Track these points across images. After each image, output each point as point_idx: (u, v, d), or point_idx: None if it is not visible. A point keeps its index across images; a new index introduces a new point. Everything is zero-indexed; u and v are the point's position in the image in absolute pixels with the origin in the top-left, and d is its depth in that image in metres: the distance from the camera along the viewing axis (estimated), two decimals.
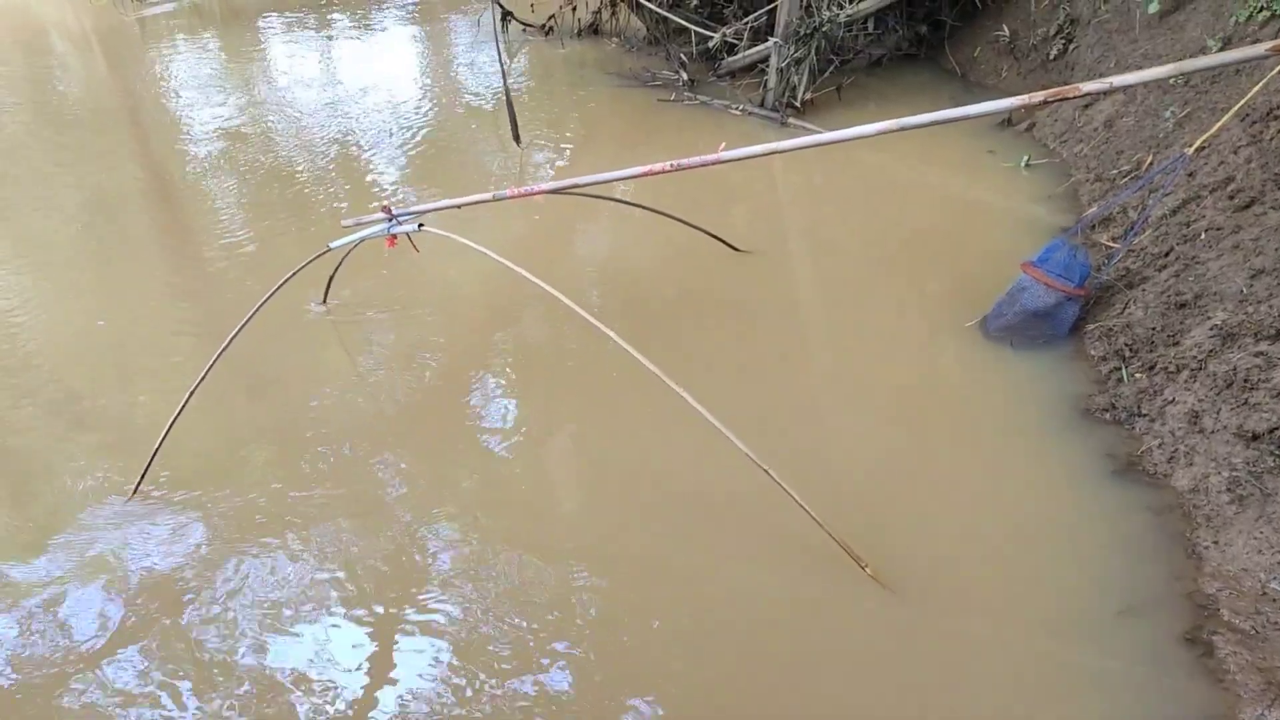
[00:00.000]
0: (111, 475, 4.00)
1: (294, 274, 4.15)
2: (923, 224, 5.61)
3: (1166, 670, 2.79)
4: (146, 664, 3.17)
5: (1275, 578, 2.90)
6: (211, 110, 8.48)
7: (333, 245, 4.20)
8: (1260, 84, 4.33)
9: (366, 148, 7.37)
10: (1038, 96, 3.48)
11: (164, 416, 3.93)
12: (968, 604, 3.11)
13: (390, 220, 4.11)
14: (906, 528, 3.44)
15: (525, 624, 3.17)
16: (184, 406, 3.87)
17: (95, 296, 5.47)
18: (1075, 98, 3.52)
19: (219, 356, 3.92)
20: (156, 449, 3.83)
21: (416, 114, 8.06)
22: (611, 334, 3.41)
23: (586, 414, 4.22)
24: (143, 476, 3.85)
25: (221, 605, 3.35)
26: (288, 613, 3.30)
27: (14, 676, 3.17)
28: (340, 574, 3.44)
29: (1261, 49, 3.33)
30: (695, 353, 4.51)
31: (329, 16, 11.61)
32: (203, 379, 3.90)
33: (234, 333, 3.98)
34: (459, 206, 4.24)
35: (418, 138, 7.53)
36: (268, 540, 3.60)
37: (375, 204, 5.73)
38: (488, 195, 4.17)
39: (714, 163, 3.90)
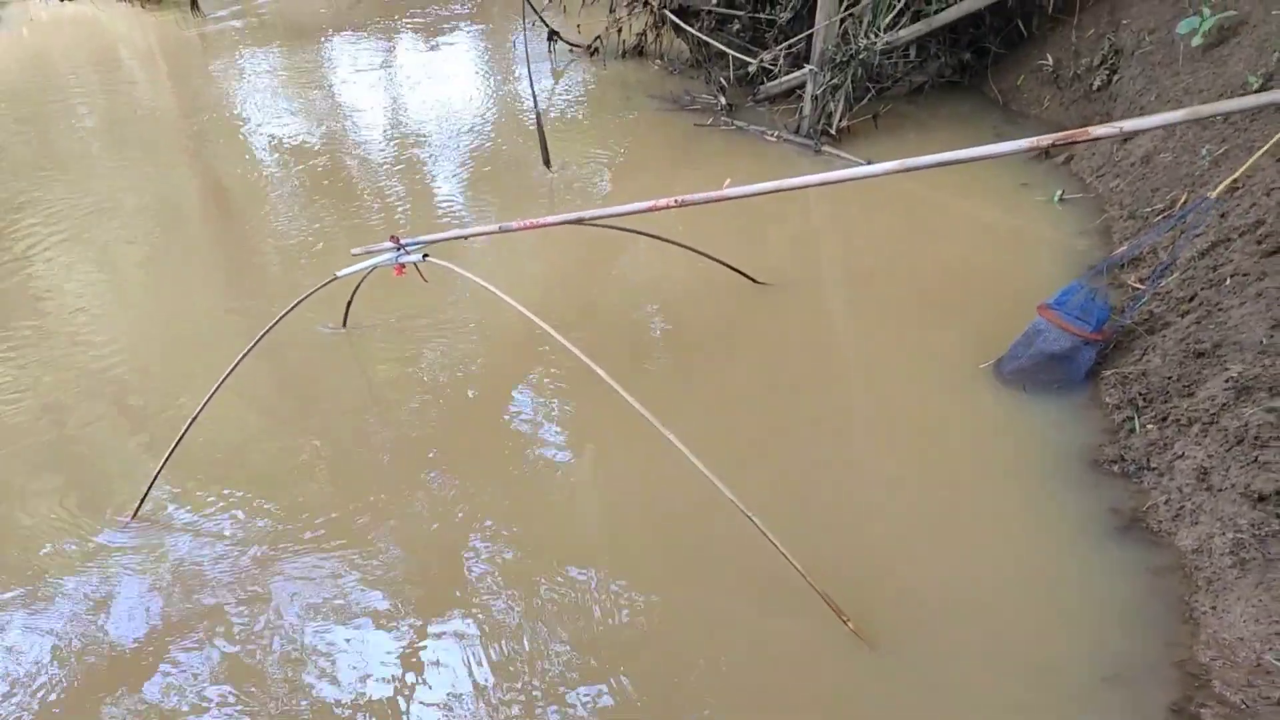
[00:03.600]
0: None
1: (301, 301, 4.19)
2: (948, 258, 5.52)
3: None
4: (184, 671, 3.32)
5: (1271, 649, 2.78)
6: (268, 122, 8.68)
7: (340, 274, 4.24)
8: None
9: (413, 165, 7.49)
10: (1046, 140, 3.40)
11: (205, 426, 4.08)
12: (950, 659, 3.04)
13: (398, 249, 4.15)
14: (898, 575, 3.38)
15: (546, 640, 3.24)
16: (189, 427, 3.94)
17: (154, 303, 5.76)
18: (1084, 141, 3.42)
19: (225, 378, 4.00)
20: (159, 469, 3.93)
21: (465, 134, 8.16)
22: (601, 372, 3.41)
23: (605, 447, 4.28)
24: (145, 494, 3.95)
25: (255, 618, 3.49)
26: (323, 625, 3.44)
27: (59, 671, 3.34)
28: (370, 585, 3.59)
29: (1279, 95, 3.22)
30: (703, 388, 4.49)
31: (389, 34, 11.77)
32: (208, 400, 3.98)
33: (240, 356, 4.04)
34: (465, 237, 4.26)
35: (462, 159, 7.62)
36: (303, 553, 3.75)
37: (433, 217, 5.82)
38: (493, 227, 4.18)
39: (719, 199, 3.87)
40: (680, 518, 3.75)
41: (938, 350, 4.60)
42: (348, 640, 3.37)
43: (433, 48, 11.10)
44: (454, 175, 7.32)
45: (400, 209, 6.77)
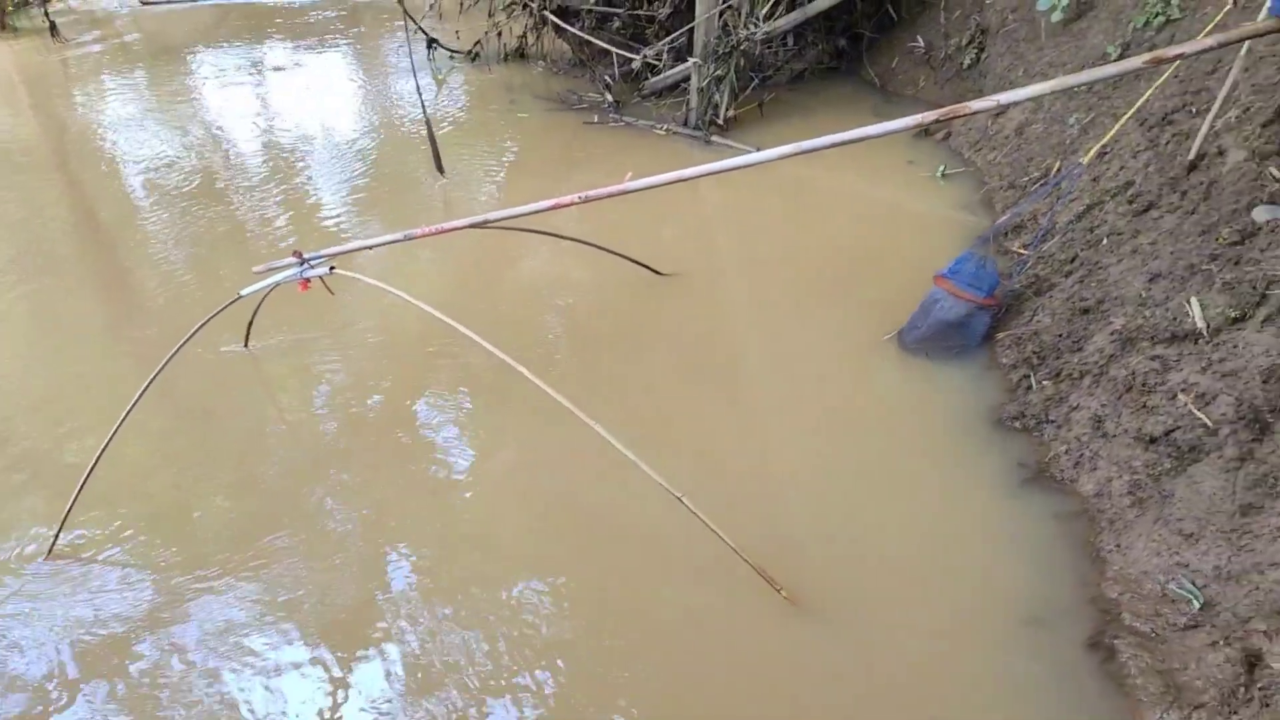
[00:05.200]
0: (37, 524, 3.98)
1: (205, 323, 4.12)
2: (844, 236, 5.70)
3: (1070, 675, 2.86)
4: (92, 708, 3.16)
5: (1173, 579, 2.97)
6: (139, 147, 8.40)
7: (244, 292, 4.19)
8: (1152, 90, 4.45)
9: (296, 180, 7.34)
10: (929, 117, 3.55)
11: (104, 461, 3.92)
12: (879, 618, 3.17)
13: (302, 264, 4.10)
14: (823, 542, 3.50)
15: (468, 651, 3.20)
16: (99, 458, 3.83)
17: (27, 337, 5.47)
18: (965, 116, 3.59)
19: (133, 407, 3.89)
20: (75, 497, 3.80)
21: (347, 146, 8.04)
22: (524, 370, 3.43)
23: (522, 444, 4.25)
24: (61, 526, 3.82)
25: (168, 651, 3.34)
26: (236, 655, 3.31)
27: None
28: (284, 614, 3.46)
29: (1139, 61, 3.42)
30: (615, 379, 4.55)
31: (257, 48, 11.55)
32: (116, 431, 3.86)
33: (146, 384, 3.95)
34: (370, 248, 4.23)
35: (348, 171, 7.51)
36: (211, 583, 3.61)
37: (315, 235, 5.72)
38: (399, 235, 4.17)
39: (620, 193, 3.93)
40: (603, 509, 3.80)
41: (841, 326, 4.75)
42: (263, 667, 3.27)
43: (305, 61, 10.94)
44: (343, 188, 7.22)
45: (290, 227, 6.63)
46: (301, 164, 7.70)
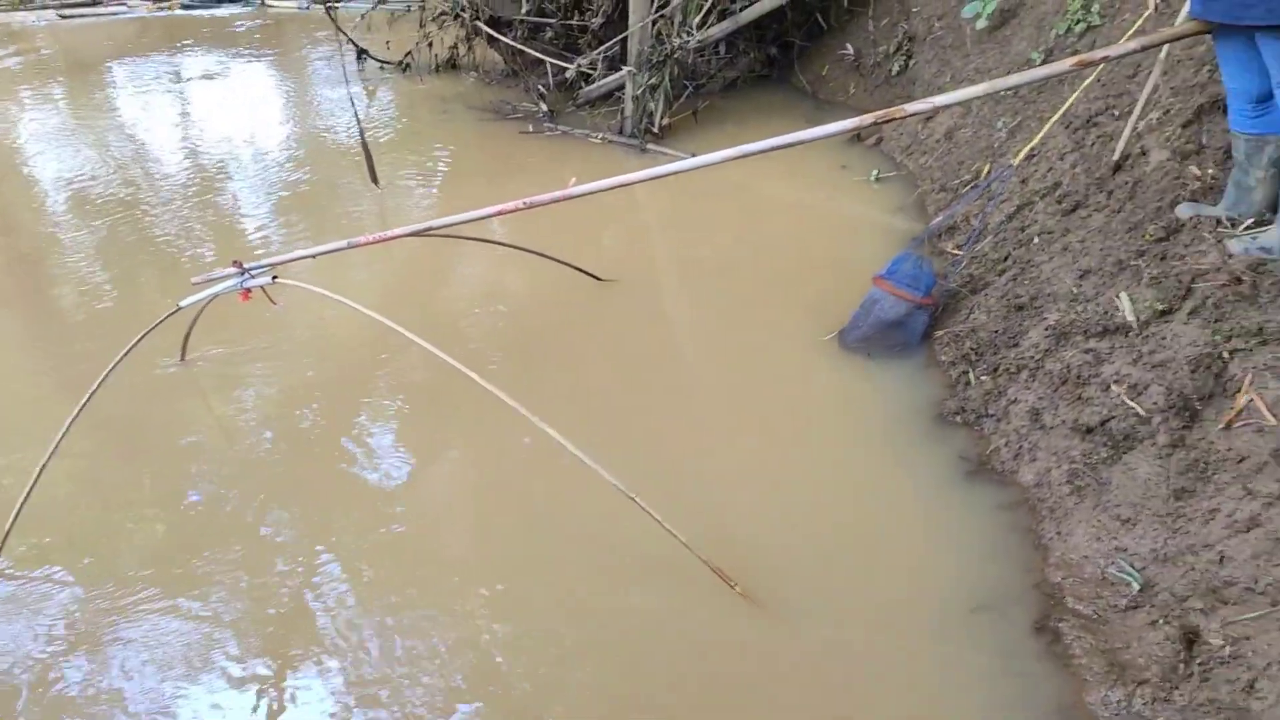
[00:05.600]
0: None
1: (144, 336, 4.06)
2: (782, 241, 5.78)
3: (1018, 660, 2.94)
4: None
5: (1112, 563, 3.07)
6: (60, 161, 8.21)
7: (183, 304, 4.13)
8: (1076, 94, 4.60)
9: (225, 195, 7.24)
10: (867, 119, 3.63)
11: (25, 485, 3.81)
12: (832, 611, 3.22)
13: (242, 274, 4.06)
14: (773, 539, 3.55)
15: (414, 666, 3.16)
16: (38, 477, 3.74)
17: None
18: (901, 118, 3.69)
19: (70, 425, 3.80)
20: (13, 519, 3.70)
21: (276, 158, 7.95)
22: (472, 374, 3.43)
23: (465, 452, 4.24)
24: None
25: (98, 671, 3.24)
26: (169, 678, 3.21)
27: None
28: (224, 632, 3.37)
29: (1066, 65, 3.54)
30: (559, 385, 4.56)
31: (180, 61, 11.38)
32: (54, 450, 3.77)
33: (84, 401, 3.87)
34: (313, 256, 4.22)
35: (279, 183, 7.43)
36: (143, 600, 3.51)
37: (253, 250, 5.63)
38: (342, 243, 4.15)
39: (564, 198, 3.96)
40: (551, 512, 3.79)
41: (783, 328, 4.82)
42: (198, 684, 3.17)
43: (231, 73, 10.81)
44: (275, 199, 7.14)
45: (221, 239, 6.50)
46: (230, 175, 7.60)
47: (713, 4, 7.45)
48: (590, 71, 8.13)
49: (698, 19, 7.37)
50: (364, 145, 6.79)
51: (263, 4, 14.21)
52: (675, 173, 3.95)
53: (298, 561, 3.65)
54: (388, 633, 3.29)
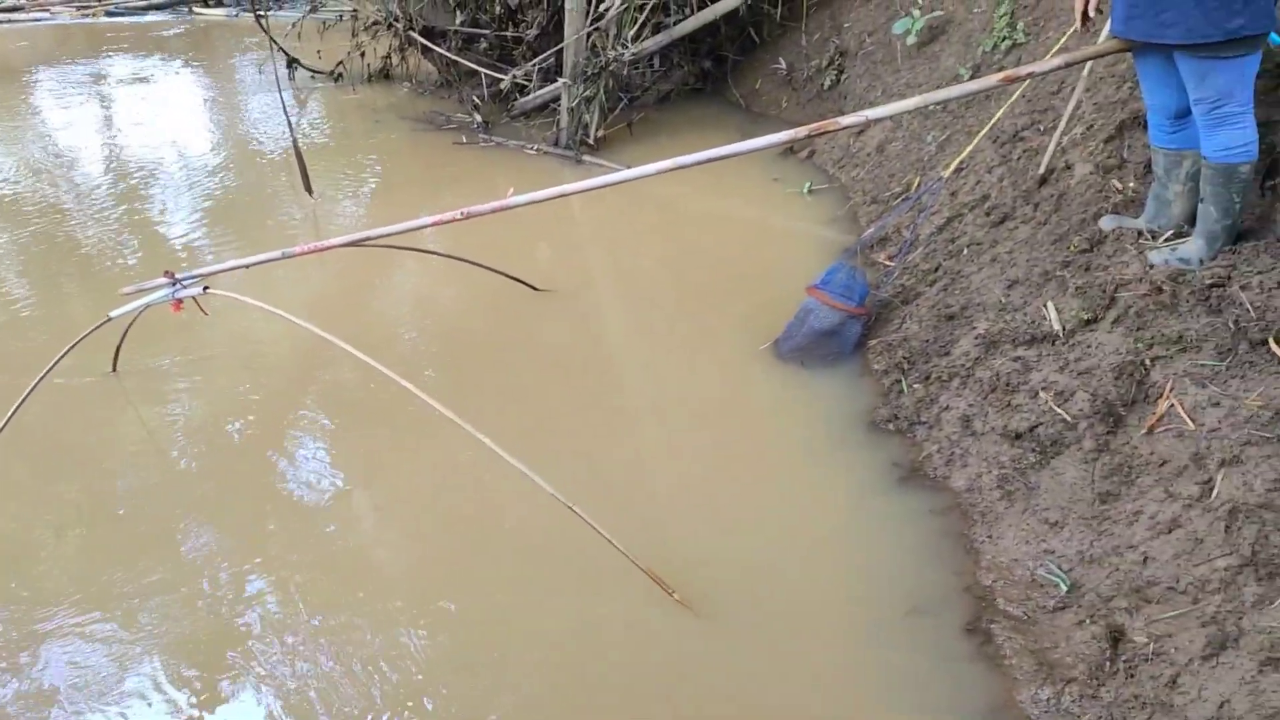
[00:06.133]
0: None
1: (72, 347, 3.99)
2: (716, 252, 5.83)
3: (951, 661, 2.99)
4: None
5: (1041, 565, 3.15)
6: None
7: (113, 315, 4.06)
8: (1003, 109, 4.72)
9: (152, 204, 7.11)
10: (801, 132, 3.70)
11: None
12: (768, 617, 3.25)
13: (174, 285, 4.00)
14: (712, 549, 3.57)
15: (350, 682, 3.13)
16: None
17: None
18: (834, 131, 3.76)
19: None
20: None
21: (205, 167, 7.83)
22: (408, 385, 3.42)
23: (399, 464, 4.19)
24: None
25: (18, 694, 3.14)
26: (90, 700, 3.13)
27: None
28: (149, 652, 3.29)
29: (993, 80, 3.65)
30: (498, 394, 4.56)
31: (104, 67, 11.16)
32: None
33: (10, 414, 3.80)
34: (247, 267, 4.16)
35: (208, 192, 7.31)
36: (64, 620, 3.41)
37: (182, 260, 5.52)
38: (277, 254, 4.12)
39: (503, 209, 3.97)
40: (487, 524, 3.78)
41: (718, 338, 4.87)
42: (121, 707, 3.08)
43: (156, 81, 10.62)
44: (204, 209, 7.01)
45: (148, 250, 6.38)
46: (159, 184, 7.46)
47: (647, 17, 7.51)
48: (525, 83, 8.14)
49: (632, 32, 7.42)
50: (297, 153, 6.73)
51: (191, 11, 14.02)
52: (612, 184, 3.98)
53: (227, 579, 3.58)
54: (319, 650, 3.24)
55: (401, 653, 3.22)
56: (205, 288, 4.05)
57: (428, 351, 5.04)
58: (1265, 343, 3.15)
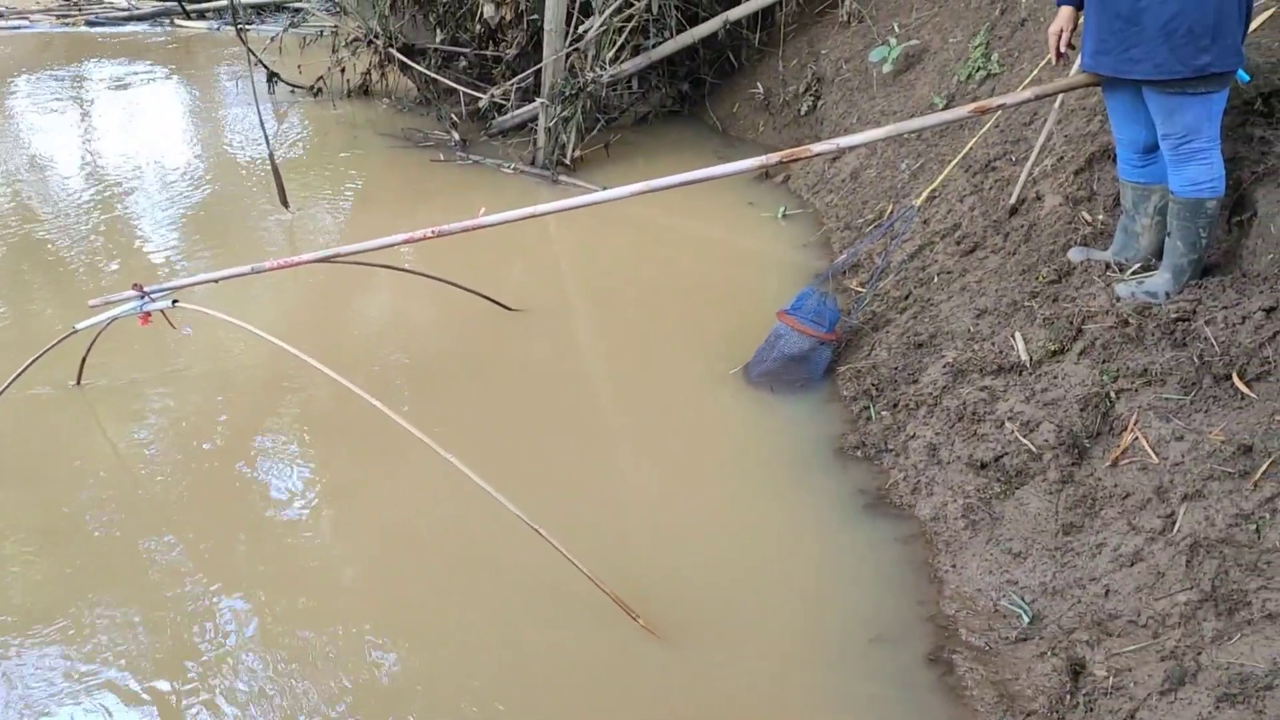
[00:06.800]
0: None
1: (37, 358, 3.96)
2: (689, 276, 5.84)
3: (912, 691, 2.98)
4: None
5: (1004, 596, 3.15)
6: None
7: (79, 326, 4.03)
8: (975, 139, 4.75)
9: (127, 215, 7.06)
10: (774, 158, 3.72)
11: None
12: (733, 642, 3.23)
13: (142, 298, 3.98)
14: (678, 573, 3.55)
15: (313, 703, 3.09)
16: None
17: None
18: (806, 158, 3.77)
19: None
20: None
21: (182, 179, 7.78)
22: (377, 403, 3.41)
23: (368, 482, 4.16)
24: None
25: None
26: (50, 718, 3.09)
27: None
28: (118, 669, 3.24)
29: (965, 111, 3.67)
30: (465, 416, 4.53)
31: (84, 76, 11.10)
32: None
33: None
34: (216, 281, 4.14)
35: (184, 204, 7.26)
36: (25, 640, 3.35)
37: (163, 273, 5.48)
38: (246, 269, 4.09)
39: (474, 228, 3.97)
40: (454, 546, 3.75)
41: (689, 360, 4.86)
42: None
43: (136, 92, 10.57)
44: (180, 221, 6.97)
45: (121, 261, 6.33)
46: (133, 195, 7.40)
47: (626, 39, 7.54)
48: (503, 102, 8.15)
49: (611, 54, 7.45)
50: (273, 167, 6.70)
51: (172, 24, 13.97)
52: (586, 205, 3.99)
53: (193, 596, 3.53)
54: (285, 669, 3.20)
55: (365, 673, 3.18)
56: (174, 301, 4.02)
57: (399, 369, 5.01)
58: (1229, 377, 3.17)
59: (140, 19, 14.10)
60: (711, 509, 3.90)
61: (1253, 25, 3.61)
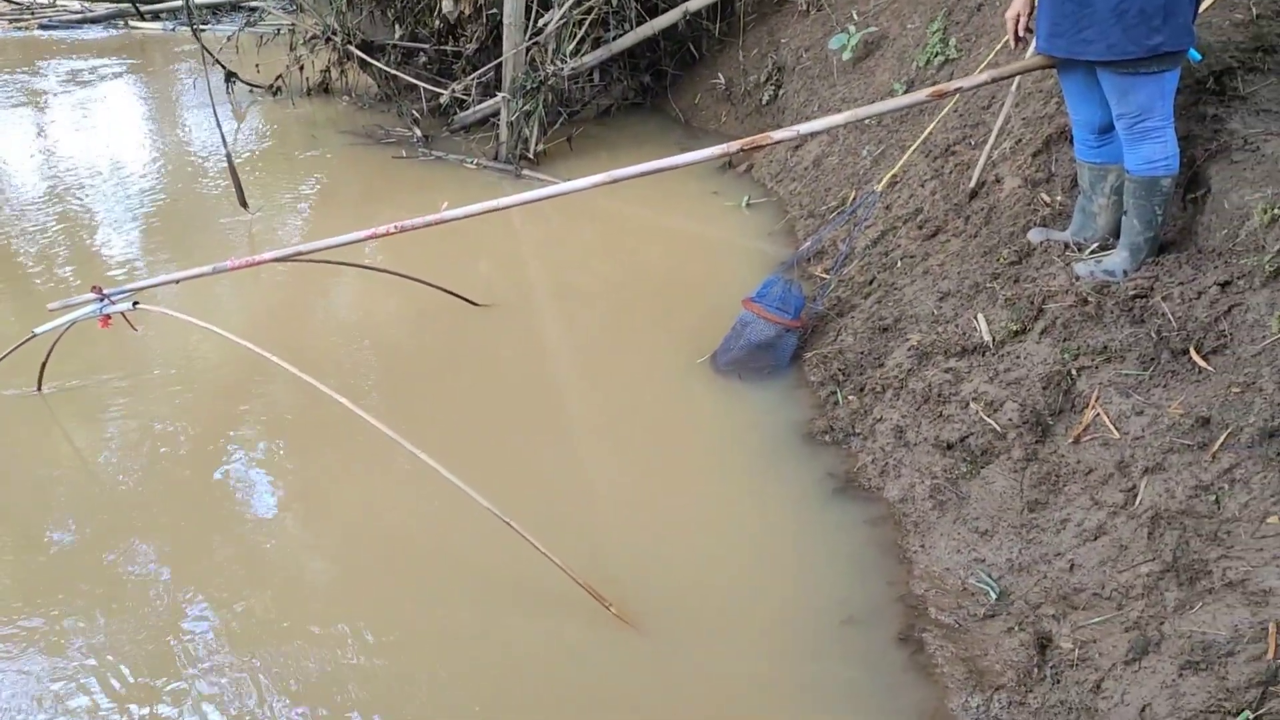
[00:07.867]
0: None
1: None
2: (654, 265, 5.85)
3: (884, 671, 3.01)
4: None
5: (972, 573, 3.19)
6: None
7: (38, 330, 3.98)
8: (934, 123, 4.79)
9: (85, 216, 6.97)
10: (734, 146, 3.73)
11: None
12: (705, 629, 3.25)
13: (102, 300, 3.94)
14: (649, 562, 3.56)
15: (286, 703, 3.07)
16: None
17: None
18: (768, 145, 3.79)
19: None
20: None
21: (140, 180, 7.69)
22: (344, 400, 3.39)
23: (338, 481, 4.14)
24: None
25: None
26: None
27: None
28: (81, 679, 3.20)
29: (924, 95, 3.70)
30: (438, 410, 4.52)
31: (35, 80, 10.94)
32: None
33: None
34: (177, 282, 4.10)
35: (143, 205, 7.18)
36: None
37: (120, 274, 5.41)
38: (207, 269, 4.06)
39: (437, 223, 3.96)
40: (425, 541, 3.74)
41: (656, 351, 4.87)
42: None
43: (91, 94, 10.43)
44: (137, 223, 6.89)
45: (78, 265, 6.26)
46: (90, 197, 7.31)
47: (586, 32, 7.54)
48: (465, 97, 8.12)
49: (571, 46, 7.45)
50: (231, 167, 6.64)
51: (127, 26, 13.81)
52: (549, 197, 3.98)
53: (160, 601, 3.50)
54: (256, 671, 3.18)
55: (339, 671, 3.17)
56: (135, 303, 3.99)
57: (366, 367, 4.99)
58: (1186, 352, 3.21)
59: (95, 21, 13.93)
60: (681, 497, 3.91)
61: (1203, 5, 3.66)
